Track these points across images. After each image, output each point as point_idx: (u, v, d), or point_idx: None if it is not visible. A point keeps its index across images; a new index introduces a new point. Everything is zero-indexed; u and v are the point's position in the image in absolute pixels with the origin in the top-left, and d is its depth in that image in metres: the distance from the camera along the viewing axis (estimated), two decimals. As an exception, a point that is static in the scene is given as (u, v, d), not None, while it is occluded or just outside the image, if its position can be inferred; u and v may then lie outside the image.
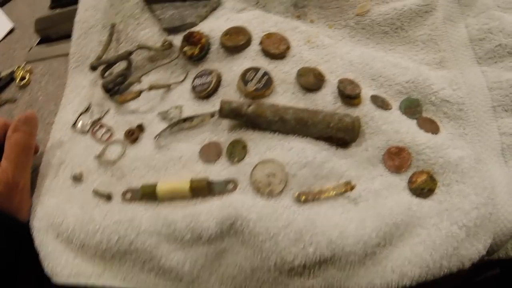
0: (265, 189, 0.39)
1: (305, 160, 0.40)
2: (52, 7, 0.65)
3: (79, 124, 0.50)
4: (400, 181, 0.41)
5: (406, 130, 0.42)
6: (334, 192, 0.39)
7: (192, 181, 0.41)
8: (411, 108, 0.45)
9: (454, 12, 0.49)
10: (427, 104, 0.44)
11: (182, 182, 0.41)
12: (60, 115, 0.52)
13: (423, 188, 0.40)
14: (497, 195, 0.40)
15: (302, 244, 0.36)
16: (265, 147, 0.41)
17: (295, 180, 0.39)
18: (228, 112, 0.41)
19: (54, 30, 0.62)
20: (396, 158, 0.41)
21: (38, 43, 0.65)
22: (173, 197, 0.42)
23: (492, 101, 0.44)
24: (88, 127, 0.50)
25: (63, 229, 0.43)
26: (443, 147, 0.41)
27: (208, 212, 0.40)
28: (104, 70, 0.51)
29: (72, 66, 0.56)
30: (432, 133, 0.43)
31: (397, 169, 0.41)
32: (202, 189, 0.41)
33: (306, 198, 0.39)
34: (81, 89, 0.53)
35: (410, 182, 0.41)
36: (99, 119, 0.50)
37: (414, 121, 0.44)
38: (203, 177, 0.42)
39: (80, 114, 0.51)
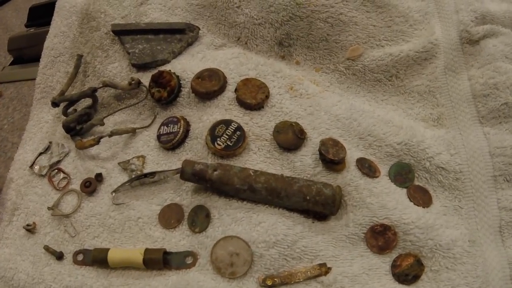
0: (226, 269, 0.32)
1: (274, 239, 0.32)
2: (28, 25, 0.57)
3: (37, 166, 0.43)
4: (383, 264, 0.33)
5: (393, 205, 0.33)
6: (306, 276, 0.32)
7: (146, 252, 0.34)
8: (402, 175, 0.36)
9: (456, 61, 0.40)
10: (420, 171, 0.36)
11: (135, 252, 0.34)
12: (19, 152, 0.45)
13: (408, 274, 0.32)
14: (490, 283, 0.33)
15: None
16: (230, 219, 0.33)
17: (262, 261, 0.31)
18: (190, 176, 0.33)
19: (28, 51, 0.54)
20: (380, 238, 0.33)
21: (11, 63, 0.57)
22: (126, 266, 0.36)
23: (494, 170, 0.36)
24: (45, 171, 0.42)
25: (14, 285, 0.37)
26: (435, 227, 0.33)
27: (161, 289, 0.33)
28: (67, 107, 0.43)
29: (37, 97, 0.47)
30: (424, 205, 0.35)
31: (381, 250, 0.33)
32: (157, 262, 0.33)
33: (273, 282, 0.31)
34: (43, 124, 0.46)
35: (394, 266, 0.33)
36: (58, 162, 0.42)
37: (404, 191, 0.35)
38: (160, 247, 0.34)
39: (39, 154, 0.43)
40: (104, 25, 0.44)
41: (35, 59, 0.55)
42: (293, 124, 0.36)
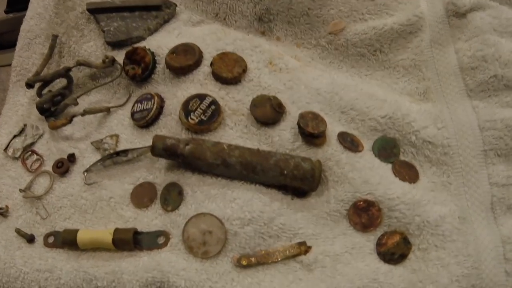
0: (199, 249, 0.29)
1: (250, 216, 0.29)
2: (6, 11, 0.56)
3: (11, 149, 0.40)
4: (367, 243, 0.30)
5: (377, 180, 0.31)
6: (284, 255, 0.29)
7: (116, 232, 0.31)
8: (386, 149, 0.34)
9: (443, 34, 0.38)
10: (405, 145, 0.34)
11: (105, 232, 0.31)
12: (-6, 135, 0.43)
13: (394, 252, 0.30)
14: (482, 262, 0.30)
15: (237, 324, 0.27)
16: (203, 196, 0.31)
17: (236, 239, 0.29)
18: (161, 151, 0.31)
19: (7, 37, 0.52)
20: (364, 215, 0.31)
21: (-9, 50, 0.55)
22: (96, 247, 0.33)
23: (484, 144, 0.33)
24: (19, 153, 0.40)
25: (-14, 269, 0.35)
26: (422, 203, 0.30)
27: (132, 272, 0.30)
28: (41, 88, 0.40)
29: (13, 80, 0.45)
30: (410, 181, 0.32)
31: (364, 228, 0.30)
32: (127, 242, 0.31)
33: (248, 262, 0.29)
34: (19, 107, 0.43)
35: (379, 244, 0.30)
36: (32, 144, 0.40)
37: (389, 166, 0.33)
38: (131, 227, 0.32)
39: (14, 137, 0.41)
40: (79, 5, 0.42)
41: (15, 44, 0.53)
42: (271, 97, 0.33)
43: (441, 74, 0.37)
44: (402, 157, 0.34)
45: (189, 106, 0.33)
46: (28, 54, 0.45)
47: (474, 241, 0.31)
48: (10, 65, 0.52)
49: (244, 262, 0.28)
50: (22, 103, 0.43)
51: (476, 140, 0.34)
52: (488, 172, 0.34)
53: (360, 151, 0.33)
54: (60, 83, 0.42)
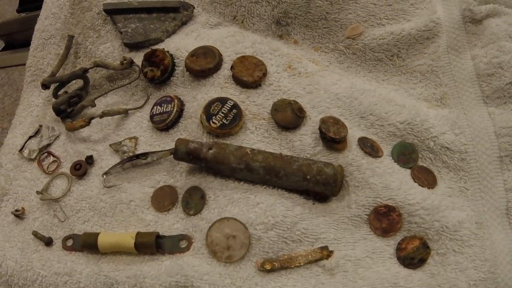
0: (222, 253, 0.28)
1: (273, 220, 0.28)
2: (19, 10, 0.54)
3: (27, 150, 0.39)
4: (387, 247, 0.29)
5: (397, 185, 0.30)
6: (307, 259, 0.29)
7: (138, 236, 0.30)
8: (405, 155, 0.33)
9: (459, 40, 0.37)
10: (423, 151, 0.33)
11: (126, 236, 0.30)
12: (9, 136, 0.41)
13: (414, 257, 0.29)
14: (498, 266, 0.30)
15: (262, 329, 0.26)
16: (226, 200, 0.30)
17: (260, 244, 0.28)
18: (184, 155, 0.30)
19: (19, 36, 0.51)
20: (384, 220, 0.30)
21: (3, 49, 0.53)
22: (117, 250, 0.32)
23: (499, 150, 0.33)
24: (35, 154, 0.38)
25: (3, 272, 0.34)
26: (441, 208, 0.30)
27: (154, 276, 0.29)
28: (57, 89, 0.39)
29: (28, 80, 0.44)
30: (428, 186, 0.32)
31: (385, 233, 0.30)
32: (149, 246, 0.30)
33: (272, 266, 0.28)
34: (34, 107, 0.42)
35: (399, 249, 0.29)
36: (48, 145, 0.38)
37: (408, 172, 0.32)
38: (152, 231, 0.31)
39: (29, 138, 0.39)
40: (96, 5, 0.40)
41: (27, 44, 0.52)
42: (292, 102, 0.32)
43: (457, 80, 0.36)
44: (420, 163, 0.33)
45: (211, 110, 0.32)
46: (42, 54, 0.44)
47: (491, 246, 0.30)
48: (22, 64, 0.50)
49: (267, 267, 0.28)
50: (37, 103, 0.42)
51: (492, 146, 0.34)
52: (503, 178, 0.33)
53: (380, 157, 0.32)
54: (76, 84, 0.41)
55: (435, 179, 0.33)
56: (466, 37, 0.38)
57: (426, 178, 0.32)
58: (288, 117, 0.32)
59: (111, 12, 0.40)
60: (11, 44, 0.52)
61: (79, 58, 0.41)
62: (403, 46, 0.37)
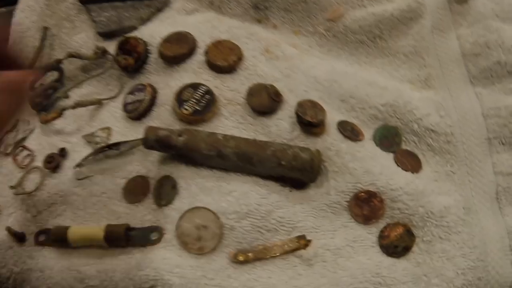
0: (194, 244, 0.26)
1: (246, 209, 0.27)
2: (-2, 6, 0.53)
3: (3, 145, 0.38)
4: (369, 235, 0.28)
5: (379, 170, 0.28)
6: (283, 250, 0.27)
7: (107, 228, 0.29)
8: (388, 138, 0.31)
9: (444, 20, 0.35)
10: (407, 134, 0.31)
11: (96, 229, 0.29)
12: (-15, 131, 0.41)
13: (397, 245, 0.27)
14: (488, 254, 0.28)
15: (235, 322, 0.25)
16: (198, 189, 0.28)
17: (233, 234, 0.27)
18: (154, 143, 0.28)
19: (-1, 32, 0.50)
20: (365, 206, 0.28)
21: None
22: (88, 244, 0.31)
23: (488, 132, 0.31)
24: (10, 149, 0.37)
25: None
26: (425, 193, 0.28)
27: (124, 271, 0.27)
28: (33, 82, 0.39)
29: (5, 74, 0.44)
30: (413, 171, 0.30)
31: (366, 220, 0.28)
32: (119, 238, 0.28)
33: (245, 258, 0.26)
34: (10, 101, 0.42)
35: (382, 237, 0.28)
36: (23, 139, 0.37)
37: (391, 156, 0.30)
38: (123, 223, 0.30)
39: (6, 133, 0.39)
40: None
41: (8, 40, 0.51)
42: (268, 86, 0.31)
43: (442, 61, 0.34)
44: (404, 146, 0.31)
45: (183, 96, 0.30)
46: (20, 48, 0.42)
47: (480, 233, 0.28)
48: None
49: (241, 258, 0.26)
50: (14, 97, 0.41)
51: (480, 128, 0.32)
52: (492, 160, 0.31)
53: (360, 140, 0.30)
54: (52, 76, 0.40)
55: (419, 163, 0.31)
56: (451, 17, 0.36)
57: (410, 162, 0.31)
58: (264, 101, 0.30)
59: (86, 1, 0.38)
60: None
61: (55, 50, 0.40)
62: (386, 28, 0.35)
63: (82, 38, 0.39)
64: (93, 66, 0.38)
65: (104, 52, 0.36)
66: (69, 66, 0.39)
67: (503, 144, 0.31)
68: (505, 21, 0.35)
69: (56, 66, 0.38)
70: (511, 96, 0.32)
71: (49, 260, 0.31)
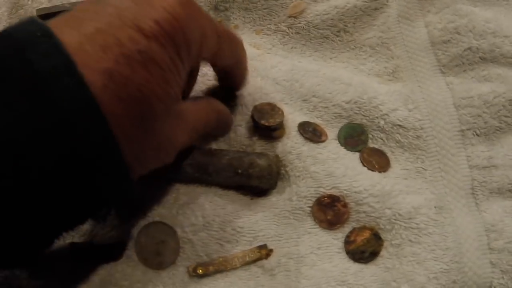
0: (153, 260, 0.25)
1: (203, 221, 0.25)
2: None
3: None
4: (334, 241, 0.26)
5: (342, 172, 0.27)
6: (244, 261, 0.26)
7: (71, 246, 0.29)
8: (353, 137, 0.29)
9: (411, 8, 0.33)
10: (374, 131, 0.29)
11: (59, 245, 0.29)
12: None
13: (364, 250, 0.26)
14: (464, 254, 0.26)
15: (193, 338, 0.24)
16: (154, 202, 0.27)
17: (191, 247, 0.25)
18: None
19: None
20: (329, 211, 0.26)
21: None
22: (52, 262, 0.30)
23: (460, 124, 0.29)
24: None
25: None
26: (392, 194, 0.26)
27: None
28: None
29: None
30: (380, 170, 0.28)
31: (330, 225, 0.26)
32: (80, 255, 0.28)
33: (205, 271, 0.25)
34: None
35: (347, 242, 0.26)
36: None
37: (357, 155, 0.29)
38: (85, 239, 0.30)
39: None
40: (31, 12, 0.38)
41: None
42: (223, 90, 0.30)
43: (410, 51, 0.32)
44: (371, 144, 0.29)
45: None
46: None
47: (454, 232, 0.26)
48: None
49: (200, 271, 0.25)
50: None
51: (452, 119, 0.29)
52: (466, 154, 0.29)
53: (323, 141, 0.28)
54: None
55: (388, 161, 0.29)
56: (418, 4, 0.33)
57: (378, 161, 0.29)
58: (221, 107, 0.29)
59: (45, 17, 0.38)
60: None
61: None
62: (350, 20, 0.33)
63: None
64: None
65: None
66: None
67: (477, 135, 0.29)
68: (475, 4, 0.33)
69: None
70: (485, 83, 0.30)
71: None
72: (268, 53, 0.34)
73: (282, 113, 0.28)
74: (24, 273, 0.27)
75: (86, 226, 0.30)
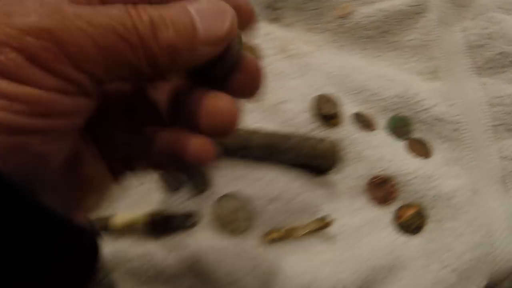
0: (227, 227, 0.31)
1: (273, 194, 0.31)
2: None
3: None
4: (384, 216, 0.32)
5: (391, 157, 0.32)
6: (308, 229, 0.31)
7: (146, 216, 0.33)
8: (399, 127, 0.35)
9: (449, 13, 0.39)
10: (417, 123, 0.35)
11: (136, 216, 0.33)
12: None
13: (411, 224, 0.31)
14: (494, 232, 0.32)
15: (267, 293, 0.28)
16: (228, 178, 0.32)
17: (263, 216, 0.30)
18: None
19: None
20: (380, 189, 0.32)
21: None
22: (128, 233, 0.34)
23: (493, 120, 0.35)
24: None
25: None
26: (435, 177, 0.32)
27: (164, 251, 0.32)
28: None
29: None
30: (423, 157, 0.34)
31: (381, 202, 0.32)
32: (157, 224, 0.33)
33: (274, 237, 0.30)
34: None
35: (396, 217, 0.32)
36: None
37: (402, 144, 0.34)
38: (160, 210, 0.34)
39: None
40: None
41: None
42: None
43: (449, 53, 0.38)
44: (414, 135, 0.35)
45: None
46: None
47: (486, 213, 0.32)
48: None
49: (270, 238, 0.30)
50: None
51: (485, 116, 0.35)
52: (498, 146, 0.35)
53: (373, 130, 0.34)
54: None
55: (429, 150, 0.34)
56: (455, 10, 0.39)
57: (421, 150, 0.34)
58: (284, 97, 0.34)
59: None
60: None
61: None
62: (394, 22, 0.38)
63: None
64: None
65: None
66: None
67: (508, 130, 0.35)
68: (508, 12, 0.38)
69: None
70: (514, 85, 0.36)
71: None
72: (318, 50, 0.39)
73: (338, 103, 0.33)
74: None
75: (159, 197, 0.34)
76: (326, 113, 0.33)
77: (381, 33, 0.39)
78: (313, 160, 0.32)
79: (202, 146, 0.17)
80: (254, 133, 0.32)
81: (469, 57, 0.37)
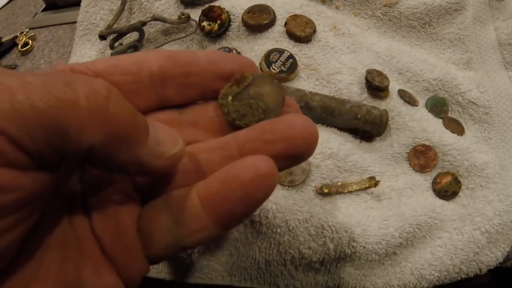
0: (286, 178, 0.35)
1: (329, 151, 0.35)
2: (60, -29, 0.59)
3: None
4: (424, 181, 0.37)
5: (432, 129, 0.38)
6: (358, 187, 0.35)
7: None
8: (437, 107, 0.41)
9: (484, 13, 0.46)
10: (453, 104, 0.41)
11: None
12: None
13: (447, 190, 0.37)
14: (519, 202, 0.37)
15: (322, 239, 0.32)
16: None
17: (318, 171, 0.35)
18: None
19: (61, -4, 0.55)
20: (422, 157, 0.37)
21: (43, 10, 0.58)
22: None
23: (519, 107, 0.42)
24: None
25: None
26: (469, 150, 0.37)
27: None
28: (114, 40, 0.45)
29: (79, 34, 0.49)
30: (457, 134, 0.40)
31: (422, 169, 0.37)
32: None
33: (329, 191, 0.35)
34: (87, 58, 0.47)
35: (435, 183, 0.37)
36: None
37: (440, 121, 0.40)
38: None
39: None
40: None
41: (69, 4, 0.56)
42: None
43: (482, 48, 0.44)
44: (450, 114, 0.41)
45: (270, 58, 0.38)
46: (95, 10, 0.49)
47: None
48: (65, 23, 0.55)
49: (325, 190, 0.34)
50: (90, 55, 0.47)
51: (512, 104, 0.41)
52: (522, 131, 0.41)
53: (416, 106, 0.39)
54: (130, 37, 0.46)
55: (463, 129, 0.40)
56: (490, 11, 0.45)
57: (456, 127, 0.39)
58: (337, 68, 0.39)
59: None
60: (52, 4, 0.56)
61: (134, 13, 0.47)
62: (434, 16, 0.44)
63: (163, 4, 0.46)
64: (175, 30, 0.45)
65: (188, 17, 0.43)
66: (149, 29, 0.46)
67: None
68: None
69: (139, 27, 0.44)
70: (537, 80, 0.42)
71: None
72: (367, 31, 0.44)
73: (388, 78, 0.38)
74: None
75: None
76: (378, 85, 0.38)
77: (422, 24, 0.45)
78: (365, 124, 0.36)
79: None
80: (315, 94, 0.37)
81: (499, 53, 0.44)
